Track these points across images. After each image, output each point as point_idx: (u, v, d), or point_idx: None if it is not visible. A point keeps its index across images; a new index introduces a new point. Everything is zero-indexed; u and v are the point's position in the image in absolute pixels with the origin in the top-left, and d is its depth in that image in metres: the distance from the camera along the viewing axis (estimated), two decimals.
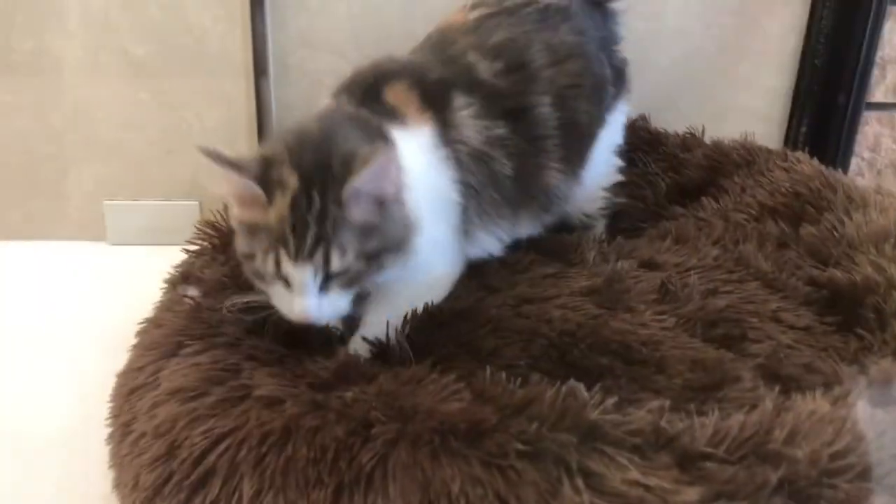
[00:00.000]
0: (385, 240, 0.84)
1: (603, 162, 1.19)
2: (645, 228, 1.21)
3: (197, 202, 1.45)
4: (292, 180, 0.81)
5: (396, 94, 0.96)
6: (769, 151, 1.25)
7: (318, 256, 0.80)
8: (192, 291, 0.98)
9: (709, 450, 0.67)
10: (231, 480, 0.71)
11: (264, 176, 0.81)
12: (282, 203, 0.80)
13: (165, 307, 0.98)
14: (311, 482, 0.69)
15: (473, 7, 1.11)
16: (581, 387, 0.74)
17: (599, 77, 1.12)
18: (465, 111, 0.97)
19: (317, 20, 1.35)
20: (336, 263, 0.80)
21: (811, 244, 1.05)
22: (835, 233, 1.05)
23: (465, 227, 0.99)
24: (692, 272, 1.01)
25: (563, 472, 0.66)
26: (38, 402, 1.05)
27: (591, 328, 0.90)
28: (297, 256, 0.80)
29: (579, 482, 0.65)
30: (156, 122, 1.40)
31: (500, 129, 0.99)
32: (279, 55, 1.37)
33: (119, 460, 0.80)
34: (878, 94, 1.44)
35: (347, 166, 0.80)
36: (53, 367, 1.12)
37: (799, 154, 1.22)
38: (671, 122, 1.39)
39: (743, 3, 1.37)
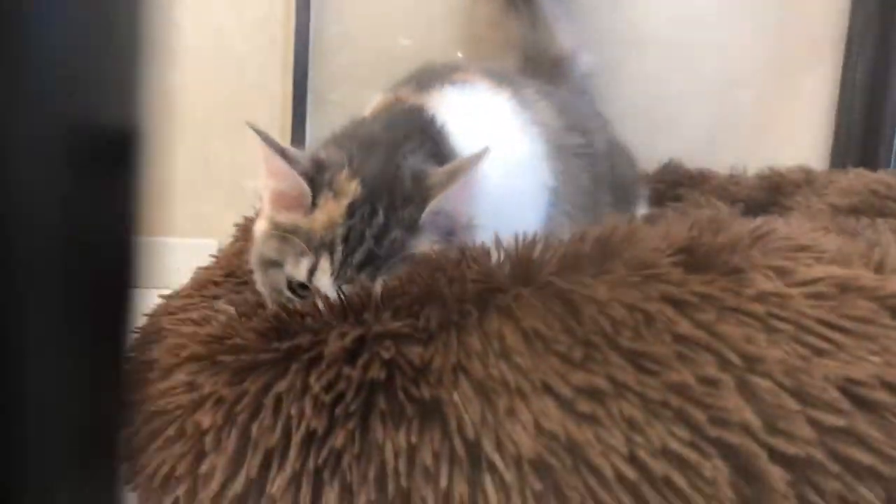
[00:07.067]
0: None
1: None
2: None
3: (215, 240, 1.34)
4: (352, 186, 0.70)
5: (463, 71, 0.89)
6: (827, 171, 1.21)
7: (363, 279, 0.66)
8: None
9: None
10: None
11: (314, 175, 0.71)
12: (334, 208, 0.69)
13: None
14: None
15: None
16: None
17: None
18: (541, 101, 0.90)
19: (362, 56, 1.35)
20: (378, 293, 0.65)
21: None
22: None
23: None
24: None
25: None
26: None
27: None
28: (341, 272, 0.67)
29: None
30: (183, 155, 1.34)
31: (578, 138, 0.90)
32: (319, 90, 1.35)
33: None
34: None
35: (422, 186, 0.69)
36: None
37: (860, 168, 1.18)
38: None
39: (779, 60, 1.40)
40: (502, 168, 0.73)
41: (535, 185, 0.81)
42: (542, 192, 0.81)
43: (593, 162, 0.93)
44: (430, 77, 0.86)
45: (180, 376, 0.60)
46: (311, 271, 0.67)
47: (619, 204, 0.99)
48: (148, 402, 0.63)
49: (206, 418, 0.57)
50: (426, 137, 0.75)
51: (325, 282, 0.67)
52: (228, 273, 0.83)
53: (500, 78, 0.89)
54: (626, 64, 1.38)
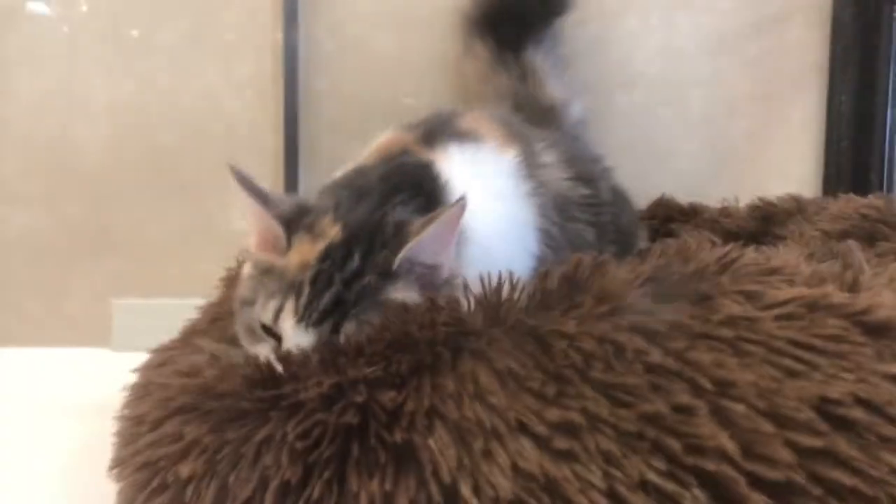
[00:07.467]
0: None
1: None
2: None
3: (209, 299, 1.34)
4: (333, 230, 0.70)
5: (474, 120, 0.89)
6: (818, 199, 1.21)
7: (327, 325, 0.65)
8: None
9: None
10: None
11: (293, 218, 0.72)
12: (309, 250, 0.69)
13: None
14: None
15: None
16: None
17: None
18: (549, 155, 0.90)
19: (351, 108, 1.36)
20: (344, 340, 0.64)
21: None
22: None
23: None
24: None
25: None
26: None
27: None
28: (304, 316, 0.66)
29: None
30: (178, 214, 1.35)
31: (584, 189, 0.91)
32: (310, 143, 1.36)
33: None
34: None
35: (402, 233, 0.68)
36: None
37: (850, 194, 1.18)
38: None
39: (765, 91, 1.41)
40: (490, 234, 0.74)
41: (519, 252, 0.80)
42: (527, 260, 0.80)
43: (598, 212, 0.93)
44: (438, 129, 0.85)
45: (168, 428, 0.59)
46: (277, 313, 0.67)
47: (622, 252, 0.98)
48: (138, 455, 0.62)
49: (186, 468, 0.56)
50: (422, 192, 0.75)
51: (289, 324, 0.66)
52: (213, 320, 0.82)
53: (511, 131, 0.88)
54: (615, 103, 1.40)
